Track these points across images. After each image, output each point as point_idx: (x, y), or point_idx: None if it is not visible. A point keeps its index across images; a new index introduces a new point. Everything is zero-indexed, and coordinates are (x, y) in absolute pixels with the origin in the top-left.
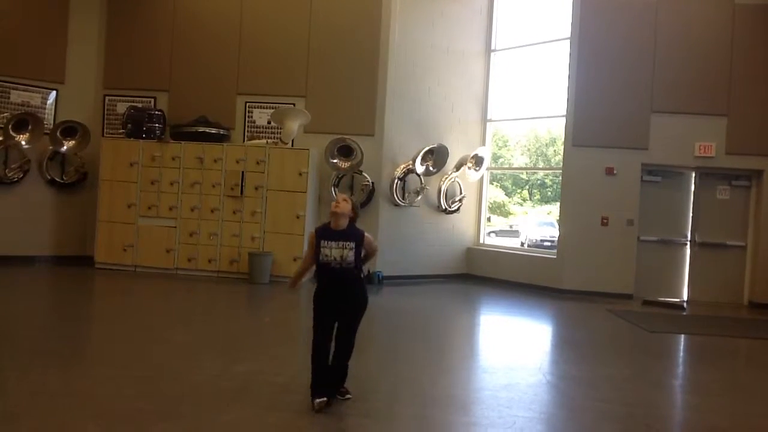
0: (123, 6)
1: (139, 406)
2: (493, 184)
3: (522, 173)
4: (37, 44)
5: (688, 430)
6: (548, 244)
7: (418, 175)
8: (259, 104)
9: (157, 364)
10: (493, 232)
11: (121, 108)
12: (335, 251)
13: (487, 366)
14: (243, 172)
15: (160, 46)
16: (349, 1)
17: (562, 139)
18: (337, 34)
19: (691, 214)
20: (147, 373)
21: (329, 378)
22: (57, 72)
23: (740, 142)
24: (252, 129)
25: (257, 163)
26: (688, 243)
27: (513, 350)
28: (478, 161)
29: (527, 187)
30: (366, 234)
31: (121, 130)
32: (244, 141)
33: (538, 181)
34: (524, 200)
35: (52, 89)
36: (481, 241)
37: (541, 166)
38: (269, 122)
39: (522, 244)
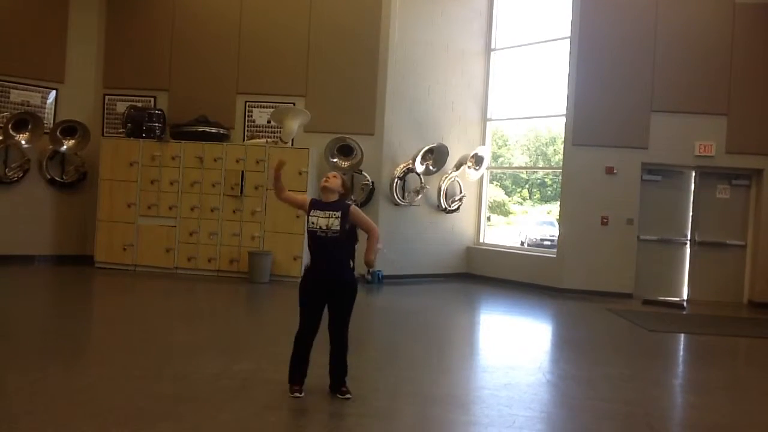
0: (123, 5)
1: (139, 406)
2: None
3: (522, 172)
4: (37, 44)
5: (688, 428)
6: (548, 243)
7: (418, 175)
8: (259, 103)
9: (156, 364)
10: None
11: (121, 107)
12: (321, 220)
13: (487, 365)
14: (243, 172)
15: (159, 46)
16: (349, 0)
17: (562, 139)
18: (337, 34)
19: (691, 214)
20: (147, 372)
21: (331, 375)
22: (57, 71)
23: (740, 141)
24: (252, 128)
25: (257, 162)
26: (688, 242)
27: (513, 349)
28: (478, 160)
29: (527, 186)
30: (354, 206)
31: (121, 130)
32: (244, 140)
33: (538, 181)
34: (524, 199)
35: (52, 89)
36: (481, 241)
37: (540, 166)
38: (269, 121)
39: (522, 244)
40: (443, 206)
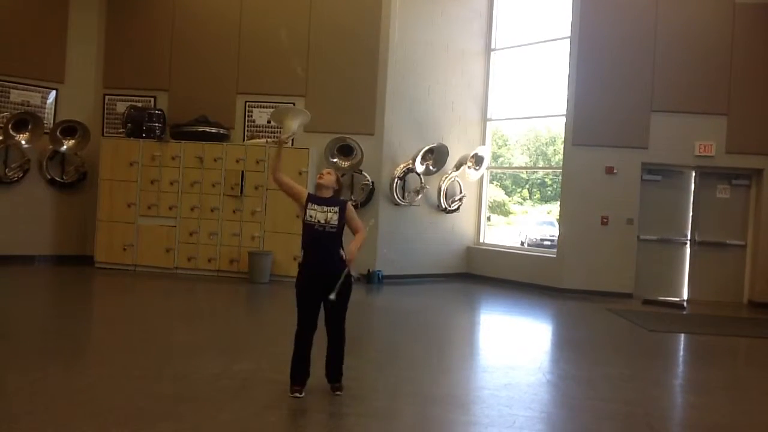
0: (123, 5)
1: (139, 406)
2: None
3: (522, 172)
4: (37, 44)
5: (688, 428)
6: (548, 243)
7: (418, 175)
8: (259, 103)
9: (157, 364)
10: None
11: (121, 107)
12: (320, 214)
13: (487, 365)
14: (243, 172)
15: (159, 46)
16: (349, 0)
17: (562, 138)
18: (337, 34)
19: (691, 214)
20: (147, 372)
21: (327, 369)
22: (57, 71)
23: (740, 141)
24: (252, 128)
25: (257, 162)
26: (688, 242)
27: (513, 349)
28: (478, 160)
29: (527, 186)
30: (350, 204)
31: (121, 130)
32: (243, 140)
33: (538, 181)
34: (524, 199)
35: (52, 89)
36: (481, 241)
37: (541, 166)
38: (269, 122)
39: (522, 244)
40: (443, 206)
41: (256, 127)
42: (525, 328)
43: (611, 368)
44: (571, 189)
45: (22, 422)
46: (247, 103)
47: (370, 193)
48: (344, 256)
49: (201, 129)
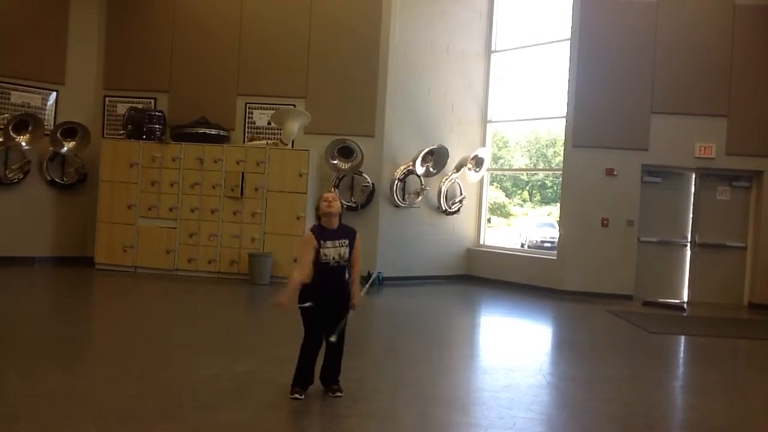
0: (123, 7)
1: (140, 407)
2: (493, 185)
3: (522, 174)
4: (38, 45)
5: (688, 430)
6: (548, 245)
7: (419, 176)
8: (260, 105)
9: (157, 365)
10: None
11: (122, 109)
12: (333, 251)
13: (488, 367)
14: (243, 173)
15: (160, 47)
16: (349, 1)
17: (563, 140)
18: (338, 35)
19: (691, 215)
20: (147, 373)
21: (324, 372)
22: (57, 73)
23: (740, 143)
24: (252, 130)
25: (257, 164)
26: (689, 244)
27: (513, 351)
28: (478, 162)
29: (527, 188)
30: (358, 234)
31: (121, 131)
32: (244, 142)
33: (539, 182)
34: (524, 201)
35: (53, 90)
36: (482, 242)
37: (541, 167)
38: (269, 123)
39: (522, 245)
40: (443, 208)
41: (257, 128)
42: (525, 329)
43: (611, 370)
44: (572, 191)
45: (22, 422)
46: (248, 105)
47: (371, 194)
48: (351, 298)
49: (201, 130)
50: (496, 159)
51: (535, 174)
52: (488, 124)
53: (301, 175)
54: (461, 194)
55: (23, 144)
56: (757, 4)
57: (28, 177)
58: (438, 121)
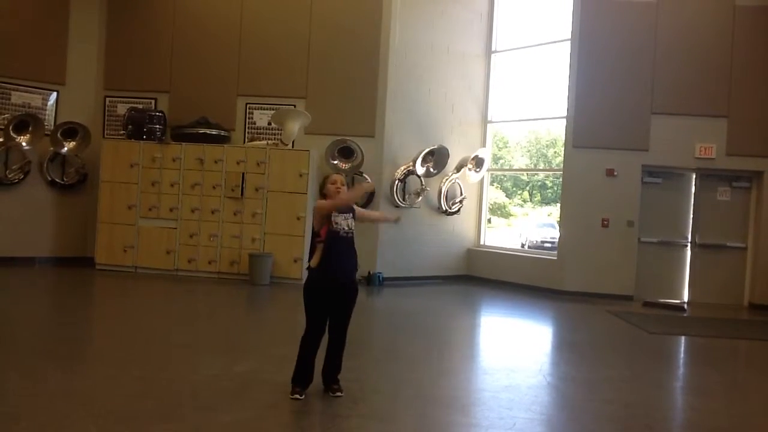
0: (123, 7)
1: (140, 407)
2: (493, 185)
3: (522, 174)
4: (38, 45)
5: (688, 430)
6: (549, 245)
7: (419, 177)
8: (260, 105)
9: (157, 365)
10: None
11: (122, 109)
12: (343, 222)
13: (488, 367)
14: (243, 174)
15: (160, 48)
16: (350, 2)
17: (563, 141)
18: (338, 35)
19: (691, 216)
20: (147, 373)
21: (326, 372)
22: (57, 73)
23: (741, 143)
24: (252, 130)
25: (258, 164)
26: (689, 244)
27: (513, 351)
28: (478, 162)
29: (528, 188)
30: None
31: (121, 132)
32: (244, 142)
33: (539, 183)
34: (525, 201)
35: (53, 90)
36: (482, 243)
37: (541, 168)
38: (270, 123)
39: (522, 246)
40: (444, 208)
41: (257, 129)
42: (525, 330)
43: (612, 370)
44: (572, 191)
45: (22, 423)
46: (248, 105)
47: (371, 195)
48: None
49: (201, 131)
50: (496, 159)
51: (536, 174)
52: (488, 125)
53: (301, 176)
54: (461, 194)
55: (24, 144)
56: (757, 4)
57: (29, 177)
58: (438, 122)
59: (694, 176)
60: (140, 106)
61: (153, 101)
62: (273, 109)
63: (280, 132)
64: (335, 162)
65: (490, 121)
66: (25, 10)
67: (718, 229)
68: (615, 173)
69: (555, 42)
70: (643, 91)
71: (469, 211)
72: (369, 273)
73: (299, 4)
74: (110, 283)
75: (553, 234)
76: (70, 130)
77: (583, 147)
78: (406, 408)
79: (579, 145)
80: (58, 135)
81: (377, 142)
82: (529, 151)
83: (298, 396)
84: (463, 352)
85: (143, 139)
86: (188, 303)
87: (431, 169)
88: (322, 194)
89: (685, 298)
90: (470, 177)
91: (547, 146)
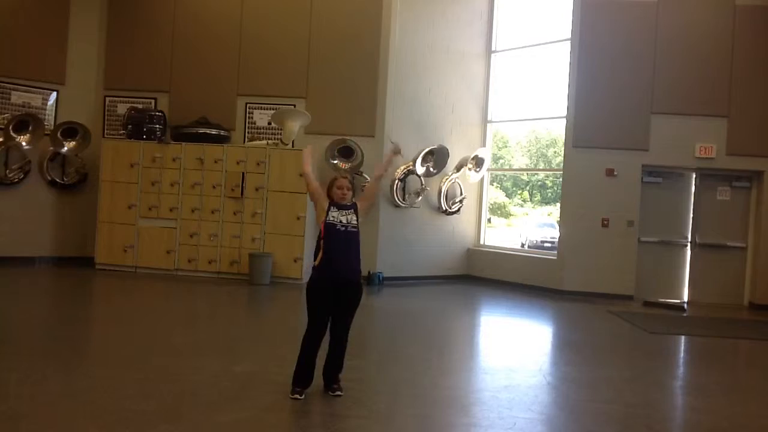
0: (123, 7)
1: (140, 407)
2: (493, 185)
3: (522, 174)
4: (38, 45)
5: (688, 430)
6: (549, 245)
7: (419, 176)
8: (260, 105)
9: (157, 365)
10: None
11: (122, 109)
12: (342, 217)
13: (488, 367)
14: (243, 173)
15: (160, 47)
16: (350, 2)
17: (563, 141)
18: (338, 35)
19: (691, 216)
20: (147, 374)
21: (326, 371)
22: (57, 73)
23: (741, 143)
24: (252, 130)
25: (258, 164)
26: (689, 244)
27: (513, 351)
28: (478, 162)
29: (528, 188)
30: (356, 201)
31: (121, 131)
32: (244, 142)
33: (539, 183)
34: (525, 201)
35: (53, 90)
36: (482, 242)
37: (541, 168)
38: (270, 123)
39: (522, 245)
40: (444, 208)
41: (257, 128)
42: (525, 330)
43: (612, 370)
44: (572, 191)
45: (23, 423)
46: (248, 105)
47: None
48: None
49: (201, 131)
50: (496, 159)
51: (536, 174)
52: (488, 124)
53: (301, 175)
54: (461, 194)
55: (23, 144)
56: (757, 4)
57: (29, 177)
58: (438, 121)
59: (694, 176)
60: (140, 106)
61: (153, 101)
62: (273, 109)
63: (280, 132)
64: (335, 162)
65: (490, 121)
66: (25, 9)
67: (718, 228)
68: (615, 173)
69: (555, 42)
70: (643, 91)
71: (469, 211)
72: (369, 273)
73: (299, 4)
74: (110, 283)
75: (553, 234)
76: (70, 130)
77: (583, 147)
78: (406, 408)
79: (579, 145)
80: (58, 135)
81: (377, 141)
82: (529, 150)
83: (298, 396)
84: (463, 352)
85: (143, 139)
86: (188, 303)
87: (431, 169)
88: (329, 197)
89: (685, 298)
90: (470, 177)
91: (547, 146)
